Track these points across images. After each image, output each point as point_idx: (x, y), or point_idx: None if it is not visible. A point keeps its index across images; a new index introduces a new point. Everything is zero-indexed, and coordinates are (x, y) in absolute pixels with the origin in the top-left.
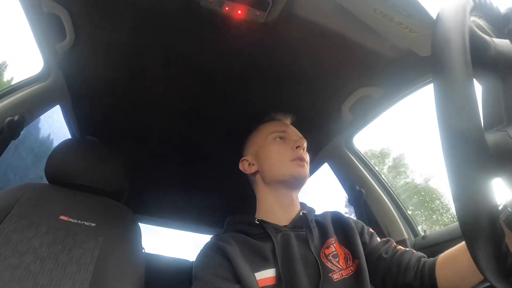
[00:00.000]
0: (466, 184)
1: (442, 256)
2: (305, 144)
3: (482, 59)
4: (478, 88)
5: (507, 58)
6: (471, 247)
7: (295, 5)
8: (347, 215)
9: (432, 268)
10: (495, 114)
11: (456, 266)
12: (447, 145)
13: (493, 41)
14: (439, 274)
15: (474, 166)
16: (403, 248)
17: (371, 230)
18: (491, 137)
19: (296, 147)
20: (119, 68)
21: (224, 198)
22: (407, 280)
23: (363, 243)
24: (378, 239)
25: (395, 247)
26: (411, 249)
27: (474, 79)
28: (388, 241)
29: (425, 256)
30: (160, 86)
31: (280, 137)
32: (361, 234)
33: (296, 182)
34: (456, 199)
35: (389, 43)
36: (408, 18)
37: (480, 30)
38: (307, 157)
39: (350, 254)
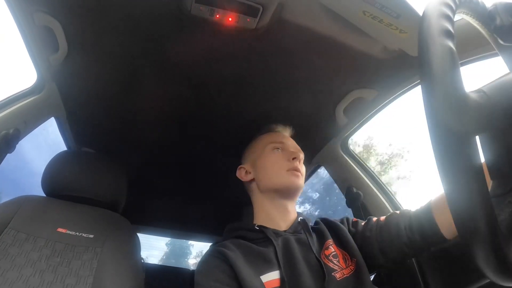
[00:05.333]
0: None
1: (435, 200)
2: (301, 156)
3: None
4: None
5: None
6: (468, 246)
7: (285, 11)
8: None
9: (430, 216)
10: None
11: None
12: (437, 145)
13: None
14: (440, 219)
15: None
16: (385, 216)
17: (354, 219)
18: None
19: (293, 158)
20: (112, 79)
21: (222, 206)
22: (403, 240)
23: (352, 235)
24: (363, 223)
25: (377, 220)
26: (394, 212)
27: None
28: (369, 220)
29: (409, 210)
30: (154, 95)
31: (278, 148)
32: (348, 229)
33: (290, 192)
34: (450, 195)
35: (380, 45)
36: (397, 19)
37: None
38: (303, 169)
39: (347, 254)
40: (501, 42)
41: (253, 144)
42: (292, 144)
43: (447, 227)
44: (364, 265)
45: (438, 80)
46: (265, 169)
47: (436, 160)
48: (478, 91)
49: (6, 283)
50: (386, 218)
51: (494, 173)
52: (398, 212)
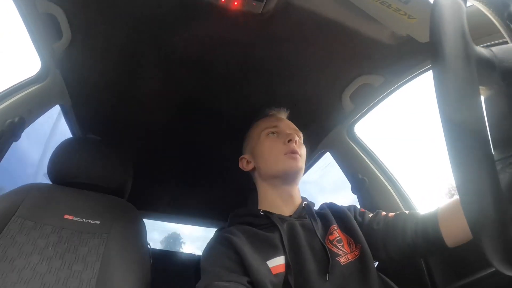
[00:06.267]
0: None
1: (443, 208)
2: (297, 137)
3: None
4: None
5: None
6: (477, 236)
7: None
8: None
9: (435, 223)
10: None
11: (462, 216)
12: (451, 137)
13: (493, 53)
14: (444, 227)
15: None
16: (394, 213)
17: (362, 209)
18: None
19: (288, 141)
20: (117, 65)
21: (227, 191)
22: (407, 241)
23: (359, 225)
24: (370, 215)
25: (386, 215)
26: (403, 211)
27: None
28: (377, 213)
29: (418, 213)
30: (158, 81)
31: (273, 132)
32: (355, 217)
33: (290, 176)
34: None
35: (388, 30)
36: (406, 4)
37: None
38: (301, 149)
39: (352, 239)
40: None
41: (250, 132)
42: (287, 126)
43: (450, 235)
44: (368, 251)
45: (450, 64)
46: (263, 156)
47: (440, 110)
48: (486, 47)
49: (14, 271)
50: (395, 215)
51: (498, 136)
52: (407, 212)
